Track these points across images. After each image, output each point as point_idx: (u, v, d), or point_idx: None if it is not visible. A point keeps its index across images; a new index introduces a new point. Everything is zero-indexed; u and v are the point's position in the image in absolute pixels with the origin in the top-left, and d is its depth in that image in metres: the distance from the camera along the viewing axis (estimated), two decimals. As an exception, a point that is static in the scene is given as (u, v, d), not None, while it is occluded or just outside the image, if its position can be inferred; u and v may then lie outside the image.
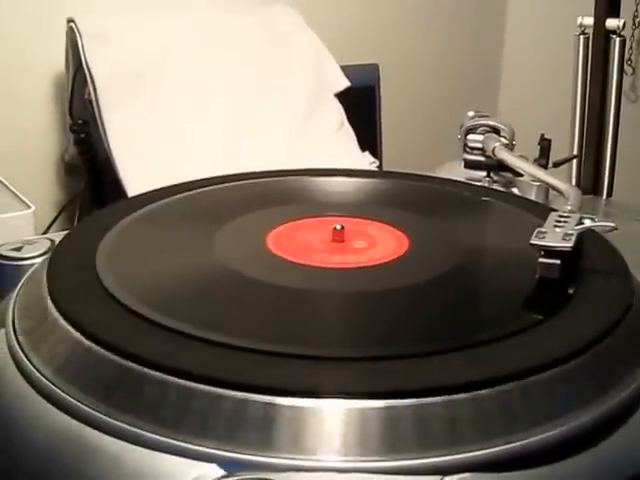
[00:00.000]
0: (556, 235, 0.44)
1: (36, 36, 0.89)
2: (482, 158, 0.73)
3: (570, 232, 0.44)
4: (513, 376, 0.35)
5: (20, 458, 0.36)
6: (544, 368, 0.36)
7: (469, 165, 0.74)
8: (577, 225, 0.45)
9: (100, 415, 0.35)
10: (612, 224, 0.46)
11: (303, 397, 0.33)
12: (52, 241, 0.53)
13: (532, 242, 0.43)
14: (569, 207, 0.51)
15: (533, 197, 0.70)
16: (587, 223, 0.46)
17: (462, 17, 1.25)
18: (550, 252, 0.43)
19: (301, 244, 0.48)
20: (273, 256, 0.47)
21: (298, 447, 0.33)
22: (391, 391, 0.34)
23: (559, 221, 0.46)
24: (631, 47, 1.11)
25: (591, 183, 0.89)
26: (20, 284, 0.46)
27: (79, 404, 0.35)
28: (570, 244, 0.43)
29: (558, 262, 0.43)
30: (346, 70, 0.97)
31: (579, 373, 0.36)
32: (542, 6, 1.25)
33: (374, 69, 1.04)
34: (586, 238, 0.46)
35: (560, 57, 0.97)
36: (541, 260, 0.43)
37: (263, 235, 0.49)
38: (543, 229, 0.44)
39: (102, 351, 0.37)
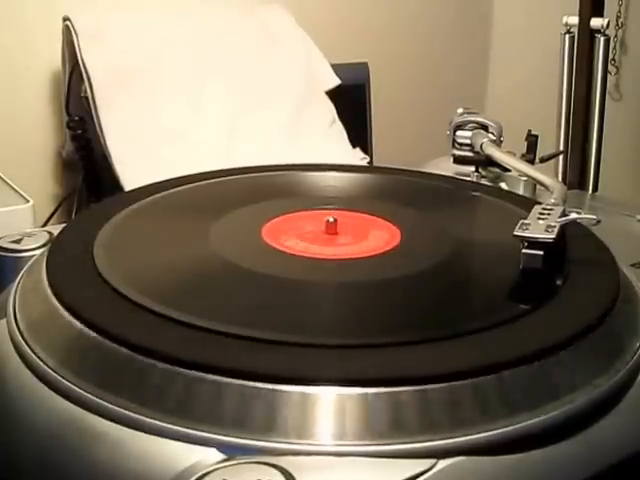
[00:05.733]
0: (539, 227, 0.44)
1: (33, 34, 0.89)
2: (470, 154, 0.74)
3: (553, 224, 0.45)
4: (509, 363, 0.36)
5: (23, 445, 0.37)
6: (538, 355, 0.36)
7: (458, 160, 0.75)
8: (560, 217, 0.46)
9: (101, 401, 0.35)
10: (595, 217, 0.47)
11: (303, 384, 0.34)
12: (51, 233, 0.53)
13: (515, 233, 0.44)
14: (553, 200, 0.52)
15: (521, 191, 0.71)
16: (571, 216, 0.47)
17: (450, 16, 1.26)
18: (533, 243, 0.43)
19: (295, 236, 0.49)
20: (268, 248, 0.48)
21: (298, 432, 0.33)
22: (389, 378, 0.34)
23: (542, 213, 0.46)
24: (615, 47, 1.11)
25: (577, 178, 0.90)
26: (20, 275, 0.46)
27: (80, 391, 0.36)
28: (552, 235, 0.44)
29: (541, 253, 0.43)
30: (336, 68, 0.97)
31: (571, 359, 0.37)
32: (528, 5, 1.25)
33: (364, 67, 1.05)
34: (573, 231, 0.47)
35: (546, 55, 0.98)
36: (524, 251, 0.44)
37: (258, 227, 0.50)
38: (527, 221, 0.45)
39: (101, 339, 0.37)
